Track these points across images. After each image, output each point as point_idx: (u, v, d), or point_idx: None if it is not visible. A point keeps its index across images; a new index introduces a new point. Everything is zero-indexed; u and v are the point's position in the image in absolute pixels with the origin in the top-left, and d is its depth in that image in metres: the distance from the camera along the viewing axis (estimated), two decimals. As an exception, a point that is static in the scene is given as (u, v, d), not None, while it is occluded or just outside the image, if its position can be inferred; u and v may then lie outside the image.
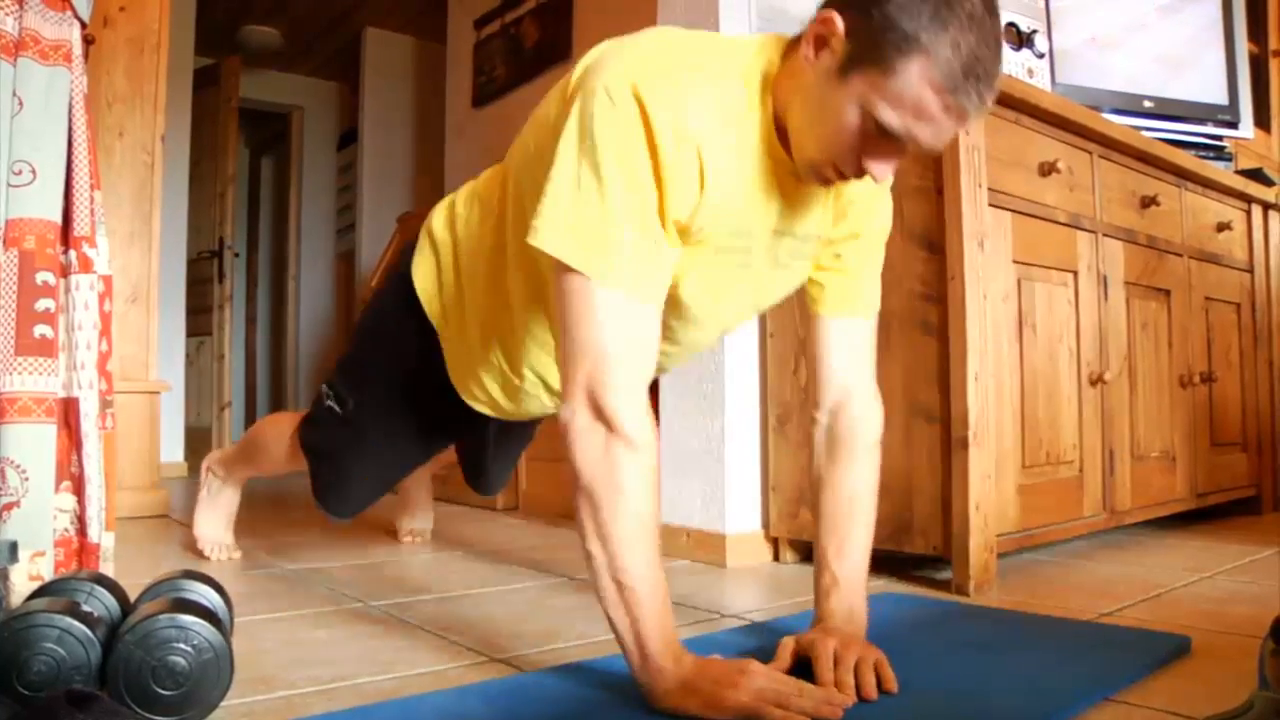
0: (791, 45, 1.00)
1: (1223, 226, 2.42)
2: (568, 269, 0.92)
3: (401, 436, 1.41)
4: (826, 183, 0.99)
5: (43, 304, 1.35)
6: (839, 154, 0.93)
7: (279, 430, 1.65)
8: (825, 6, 0.94)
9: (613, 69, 0.94)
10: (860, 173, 0.95)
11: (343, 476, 1.44)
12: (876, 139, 0.91)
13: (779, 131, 0.99)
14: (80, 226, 1.42)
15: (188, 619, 0.90)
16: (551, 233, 0.92)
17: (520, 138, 1.17)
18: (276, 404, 6.11)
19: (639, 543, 0.91)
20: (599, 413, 0.91)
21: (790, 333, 1.88)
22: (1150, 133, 2.17)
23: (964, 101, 0.87)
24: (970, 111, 0.88)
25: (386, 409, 1.38)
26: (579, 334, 0.92)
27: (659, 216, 0.93)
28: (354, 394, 1.40)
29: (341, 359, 1.47)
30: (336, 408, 1.41)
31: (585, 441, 0.91)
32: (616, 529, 0.90)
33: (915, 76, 0.86)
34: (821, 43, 0.93)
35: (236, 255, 4.91)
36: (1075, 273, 1.86)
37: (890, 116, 0.88)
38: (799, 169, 0.99)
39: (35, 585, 1.21)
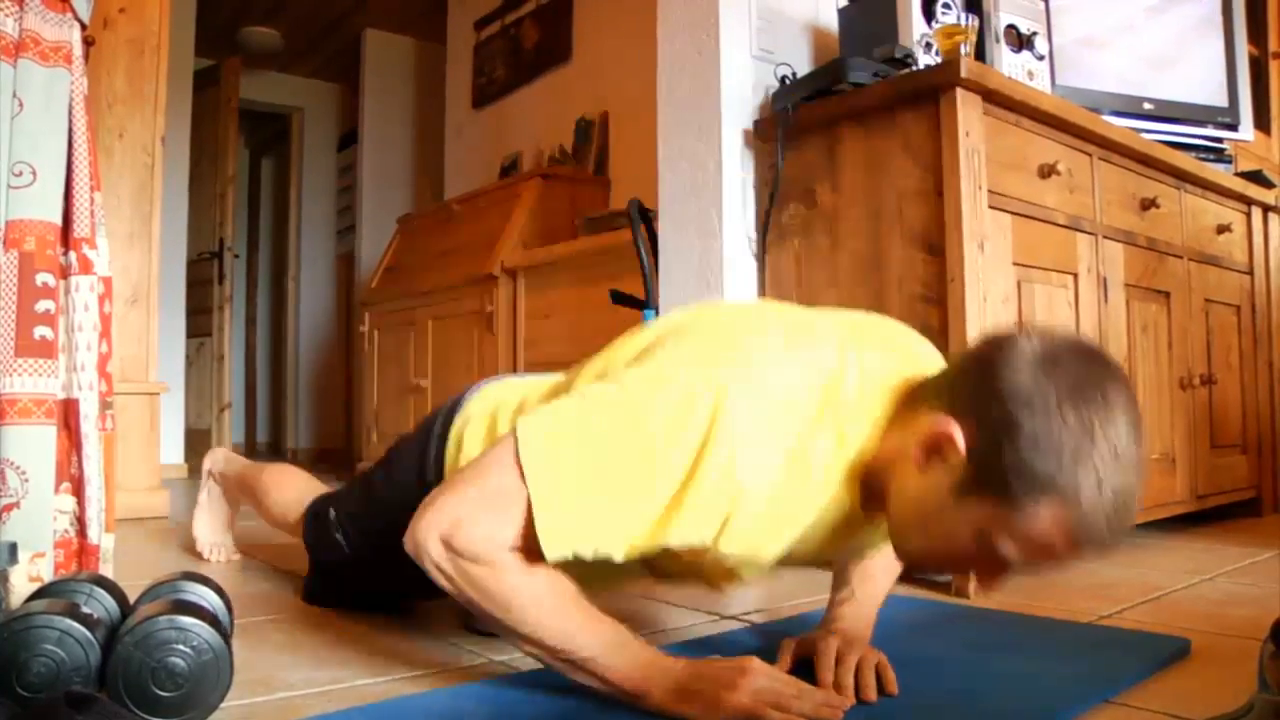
0: (903, 412, 0.87)
1: (1222, 229, 2.42)
2: (519, 464, 0.85)
3: (402, 587, 1.34)
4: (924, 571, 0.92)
5: (43, 305, 1.34)
6: (945, 566, 0.86)
7: (286, 498, 1.60)
8: (939, 404, 0.82)
9: (717, 366, 0.84)
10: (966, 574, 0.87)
11: (342, 594, 1.44)
12: (991, 560, 0.81)
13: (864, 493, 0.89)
14: (80, 228, 1.42)
15: (187, 620, 0.90)
16: (535, 433, 0.86)
17: (588, 365, 1.09)
18: (276, 404, 6.11)
19: (558, 617, 0.88)
20: (451, 549, 0.88)
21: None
22: (1150, 135, 2.17)
23: (1099, 546, 0.78)
24: (1105, 552, 0.80)
25: (390, 565, 1.33)
26: (473, 494, 0.88)
27: (639, 525, 0.85)
28: (362, 541, 1.34)
29: (352, 505, 1.38)
30: (343, 543, 1.35)
31: (442, 574, 0.89)
32: (529, 628, 0.88)
33: (1047, 521, 0.76)
34: (934, 450, 0.81)
35: (236, 256, 4.92)
36: (1075, 275, 1.86)
37: (1012, 552, 0.79)
38: (897, 555, 0.90)
39: (35, 587, 1.21)
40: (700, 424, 0.82)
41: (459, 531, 0.87)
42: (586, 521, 0.84)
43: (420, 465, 1.22)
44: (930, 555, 0.85)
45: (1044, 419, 0.75)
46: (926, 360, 0.98)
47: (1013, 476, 0.76)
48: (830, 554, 1.02)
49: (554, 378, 1.21)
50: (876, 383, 0.89)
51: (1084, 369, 0.78)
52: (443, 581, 0.90)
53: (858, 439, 0.87)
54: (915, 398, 0.87)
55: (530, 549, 0.86)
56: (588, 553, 0.86)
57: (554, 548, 0.85)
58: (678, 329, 0.93)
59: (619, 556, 0.87)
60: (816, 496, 0.87)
